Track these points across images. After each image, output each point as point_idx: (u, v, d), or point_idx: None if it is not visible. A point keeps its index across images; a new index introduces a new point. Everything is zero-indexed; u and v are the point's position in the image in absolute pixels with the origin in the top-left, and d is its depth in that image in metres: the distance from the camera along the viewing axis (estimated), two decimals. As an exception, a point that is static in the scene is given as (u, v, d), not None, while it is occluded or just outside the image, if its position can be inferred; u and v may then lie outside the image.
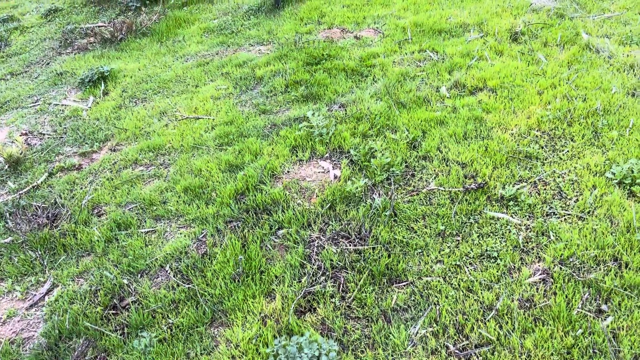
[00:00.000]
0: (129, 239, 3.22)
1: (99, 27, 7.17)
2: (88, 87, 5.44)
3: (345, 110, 4.25)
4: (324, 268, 2.78)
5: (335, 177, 3.49)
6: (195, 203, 3.43)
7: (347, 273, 2.73)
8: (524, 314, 2.36)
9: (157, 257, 3.03)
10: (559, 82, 4.18)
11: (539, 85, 4.16)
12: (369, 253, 2.81)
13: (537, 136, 3.60)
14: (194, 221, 3.29)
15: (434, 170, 3.42)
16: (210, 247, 3.04)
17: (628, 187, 2.98)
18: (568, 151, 3.40)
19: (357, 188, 3.25)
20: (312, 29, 6.01)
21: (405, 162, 3.53)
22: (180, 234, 3.22)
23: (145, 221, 3.38)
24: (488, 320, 2.37)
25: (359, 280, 2.67)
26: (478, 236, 2.85)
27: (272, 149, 3.86)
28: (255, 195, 3.37)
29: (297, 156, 3.77)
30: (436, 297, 2.54)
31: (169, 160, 4.01)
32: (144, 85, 5.35)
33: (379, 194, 3.27)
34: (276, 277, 2.78)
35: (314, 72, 4.95)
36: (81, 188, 3.84)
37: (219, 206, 3.35)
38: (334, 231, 3.01)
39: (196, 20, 7.03)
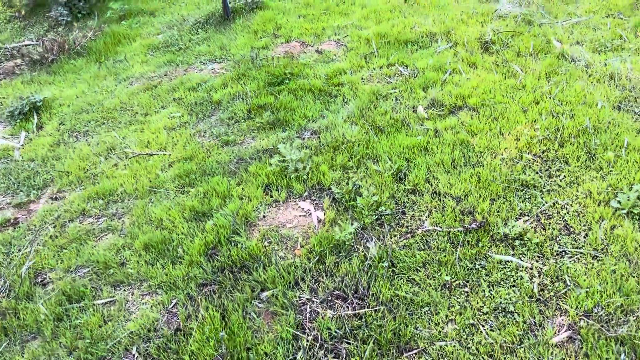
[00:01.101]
0: (83, 315, 2.76)
1: (26, 46, 6.48)
2: (19, 120, 4.84)
3: (319, 138, 3.92)
4: (322, 339, 2.44)
5: (319, 220, 3.16)
6: (159, 263, 3.00)
7: (349, 344, 2.41)
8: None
9: (120, 338, 2.59)
10: (542, 96, 4.02)
11: (521, 101, 3.99)
12: (372, 317, 2.50)
13: (529, 160, 3.41)
14: (160, 287, 2.87)
15: (426, 207, 3.15)
16: (184, 321, 2.64)
17: (638, 218, 2.81)
18: (565, 176, 3.22)
19: (346, 235, 2.93)
20: (268, 43, 5.64)
21: (394, 198, 3.24)
22: (146, 304, 2.79)
23: (101, 289, 2.92)
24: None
25: (364, 352, 2.35)
26: (488, 286, 2.60)
27: (243, 189, 3.48)
28: (229, 250, 2.98)
29: (272, 197, 3.41)
30: (456, 369, 2.26)
31: (123, 208, 3.54)
32: (85, 115, 4.81)
33: (372, 239, 2.96)
34: (266, 354, 2.42)
35: (278, 94, 4.59)
36: (19, 250, 3.31)
37: (188, 266, 2.94)
38: (327, 290, 2.67)
39: (137, 35, 6.49)
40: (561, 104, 3.89)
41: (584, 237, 2.82)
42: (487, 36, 5.07)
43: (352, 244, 2.93)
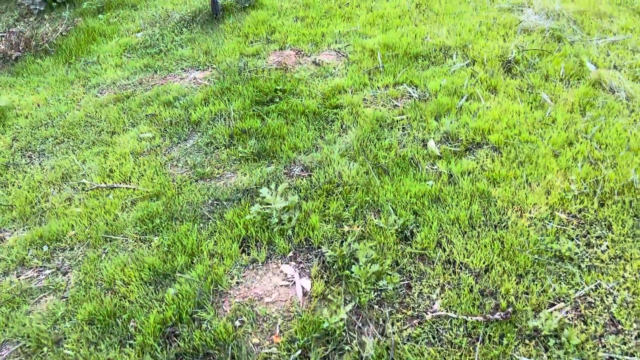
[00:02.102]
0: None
1: (-12, 40, 5.86)
2: (-35, 133, 4.25)
3: (311, 177, 3.35)
4: None
5: (305, 293, 2.61)
6: (104, 343, 2.44)
7: None
8: None
9: None
10: (576, 136, 3.46)
11: (552, 142, 3.42)
12: None
13: (563, 222, 2.85)
14: (101, 380, 2.31)
15: (438, 281, 2.60)
16: None
17: None
18: (608, 247, 2.67)
19: (337, 322, 2.37)
20: (260, 50, 5.04)
21: (397, 265, 2.68)
22: (81, 404, 2.23)
23: (28, 377, 2.36)
24: None
25: None
26: (516, 406, 2.05)
27: (215, 242, 2.92)
28: (192, 333, 2.43)
29: (249, 255, 2.85)
30: None
31: (71, 260, 2.98)
32: (43, 131, 4.23)
33: (369, 325, 2.41)
34: None
35: (266, 116, 4.01)
36: (-62, 313, 2.75)
37: (139, 351, 2.38)
38: (309, 402, 2.12)
39: (115, 32, 5.87)
40: (600, 148, 3.33)
41: (636, 337, 2.27)
42: (510, 54, 4.48)
43: (344, 333, 2.38)
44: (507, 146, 3.46)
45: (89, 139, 4.07)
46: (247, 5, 5.85)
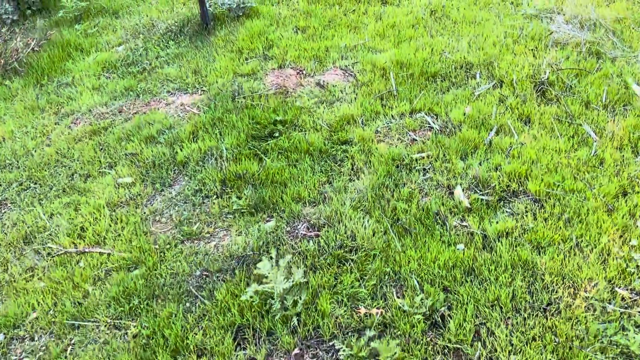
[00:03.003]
0: None
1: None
2: None
3: (319, 238, 2.88)
4: None
5: (315, 408, 2.14)
6: None
7: None
8: None
9: None
10: (630, 183, 2.99)
11: (602, 191, 2.95)
12: None
13: (627, 303, 2.38)
14: None
15: (480, 390, 2.13)
16: None
17: None
18: (687, 342, 2.19)
19: None
20: (256, 68, 4.54)
21: (428, 366, 2.22)
22: None
23: None
24: None
25: None
26: None
27: (204, 332, 2.46)
28: None
29: (245, 350, 2.39)
30: None
31: (30, 354, 2.51)
32: (7, 173, 3.75)
33: None
34: None
35: (264, 155, 3.53)
36: None
37: None
38: None
39: (93, 46, 5.37)
40: (662, 201, 2.84)
41: None
42: (542, 74, 3.99)
43: None
44: (549, 197, 2.97)
45: (59, 184, 3.59)
46: (240, 14, 5.33)
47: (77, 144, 3.99)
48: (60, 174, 3.71)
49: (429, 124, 3.76)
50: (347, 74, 4.43)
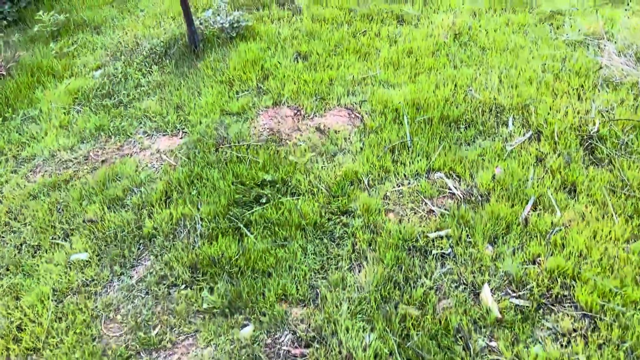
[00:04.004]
0: None
1: None
2: None
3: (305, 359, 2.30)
4: None
5: None
6: None
7: None
8: None
9: None
10: None
11: (676, 307, 2.30)
12: None
13: None
14: None
15: None
16: None
17: None
18: None
19: None
20: (247, 105, 3.96)
21: None
22: None
23: None
24: None
25: None
26: None
27: None
28: None
29: None
30: None
31: None
32: (-55, 240, 3.23)
33: None
34: None
35: (246, 229, 2.96)
36: None
37: None
38: None
39: (68, 69, 4.83)
40: None
41: None
42: (590, 125, 3.34)
43: None
44: (604, 313, 2.35)
45: (2, 259, 3.06)
46: (234, 34, 4.73)
47: (33, 201, 3.46)
48: (6, 244, 3.18)
49: (450, 189, 3.14)
50: (353, 116, 3.82)
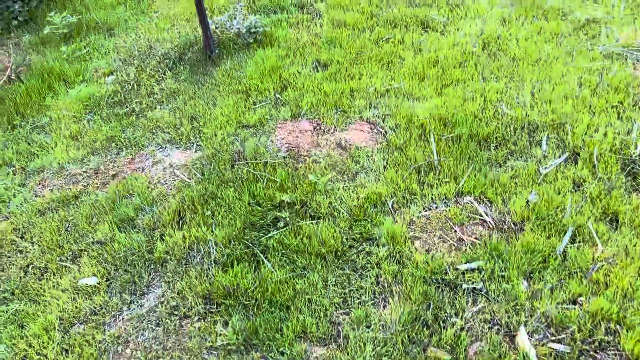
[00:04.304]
0: None
1: None
2: None
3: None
4: None
5: None
6: None
7: None
8: None
9: None
10: None
11: None
12: None
13: None
14: None
15: None
16: None
17: None
18: None
19: None
20: (264, 117, 3.80)
21: None
22: None
23: None
24: None
25: None
26: None
27: None
28: None
29: None
30: None
31: None
32: (-50, 259, 3.12)
33: None
34: None
35: (263, 255, 2.81)
36: None
37: None
38: None
39: (80, 74, 4.70)
40: None
41: None
42: (632, 147, 3.14)
43: None
44: (655, 365, 2.15)
45: (8, 282, 2.94)
46: (251, 40, 4.57)
47: (40, 218, 3.34)
48: (12, 264, 3.06)
49: (481, 216, 2.96)
50: (375, 131, 3.64)
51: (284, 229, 2.99)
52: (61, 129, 4.11)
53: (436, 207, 3.06)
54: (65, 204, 3.44)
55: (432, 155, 3.36)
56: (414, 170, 3.28)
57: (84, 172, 3.68)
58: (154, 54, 4.91)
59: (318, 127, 3.73)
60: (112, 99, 4.37)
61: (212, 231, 3.02)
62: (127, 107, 4.26)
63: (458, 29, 4.59)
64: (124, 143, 3.89)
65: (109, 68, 4.82)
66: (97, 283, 2.88)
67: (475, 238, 2.86)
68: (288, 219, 3.01)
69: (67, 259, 3.06)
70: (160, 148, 3.83)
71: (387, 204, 3.10)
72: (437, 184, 3.18)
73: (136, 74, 4.64)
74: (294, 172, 3.33)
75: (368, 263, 2.78)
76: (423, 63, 4.19)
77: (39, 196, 3.54)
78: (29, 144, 4.04)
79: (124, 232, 3.14)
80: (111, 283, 2.87)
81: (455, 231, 2.92)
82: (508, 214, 2.96)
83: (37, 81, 4.67)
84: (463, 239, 2.88)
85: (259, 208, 3.11)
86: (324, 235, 2.89)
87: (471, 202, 3.07)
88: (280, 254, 2.85)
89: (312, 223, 2.99)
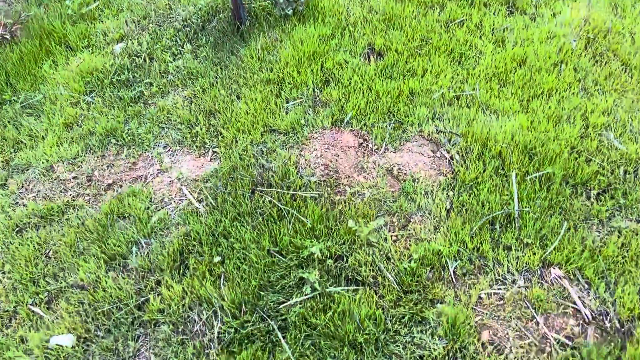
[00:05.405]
0: None
1: None
2: None
3: None
4: None
5: None
6: None
7: None
8: None
9: None
10: None
11: None
12: None
13: None
14: None
15: None
16: None
17: None
18: None
19: None
20: (298, 122, 3.15)
21: None
22: None
23: None
24: None
25: None
26: None
27: None
28: None
29: None
30: None
31: None
32: None
33: None
34: None
35: (282, 332, 2.23)
36: None
37: None
38: None
39: (85, 38, 4.08)
40: None
41: None
42: None
43: None
44: None
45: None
46: (290, 12, 3.80)
47: (17, 237, 2.81)
48: (-26, 307, 2.56)
49: (574, 303, 2.26)
50: (439, 155, 2.93)
51: (311, 297, 2.36)
52: (56, 111, 3.51)
53: (513, 282, 2.38)
54: (49, 221, 2.89)
55: (512, 202, 2.63)
56: (487, 222, 2.57)
57: (75, 178, 3.12)
58: (173, 17, 4.20)
59: (365, 144, 3.03)
60: (118, 76, 3.73)
61: (218, 289, 2.42)
62: (134, 89, 3.62)
63: (554, 14, 3.71)
64: (125, 140, 3.28)
65: (119, 32, 4.15)
66: (73, 347, 2.35)
67: (565, 337, 2.19)
68: (317, 284, 2.38)
69: (42, 301, 2.54)
70: (169, 150, 3.21)
71: (449, 269, 2.43)
72: (516, 247, 2.48)
73: (150, 43, 3.97)
74: (329, 211, 2.68)
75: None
76: (506, 61, 3.37)
77: (20, 205, 3.00)
78: (17, 128, 3.48)
79: (112, 274, 2.57)
80: (89, 347, 2.34)
81: (538, 322, 2.25)
82: (613, 306, 2.26)
83: (33, 45, 4.05)
84: (547, 337, 2.21)
85: (281, 259, 2.49)
86: (363, 313, 2.26)
87: (561, 280, 2.37)
88: (302, 336, 2.25)
89: (347, 293, 2.36)
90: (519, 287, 2.39)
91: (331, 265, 2.48)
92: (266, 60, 3.60)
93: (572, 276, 2.40)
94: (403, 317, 2.31)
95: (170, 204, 2.91)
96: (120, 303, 2.46)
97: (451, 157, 2.94)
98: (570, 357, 2.13)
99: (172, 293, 2.46)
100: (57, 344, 2.39)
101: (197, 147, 3.20)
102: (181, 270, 2.56)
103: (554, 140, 2.88)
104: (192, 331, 2.35)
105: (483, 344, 2.21)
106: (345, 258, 2.52)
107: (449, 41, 3.58)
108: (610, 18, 3.61)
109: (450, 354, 2.18)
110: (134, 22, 4.25)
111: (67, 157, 3.23)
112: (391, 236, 2.59)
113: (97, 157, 3.23)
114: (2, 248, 2.79)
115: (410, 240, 2.57)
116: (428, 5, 3.90)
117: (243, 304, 2.38)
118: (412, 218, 2.68)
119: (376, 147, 3.03)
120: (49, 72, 3.87)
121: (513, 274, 2.43)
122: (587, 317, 2.27)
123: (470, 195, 2.71)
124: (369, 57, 3.56)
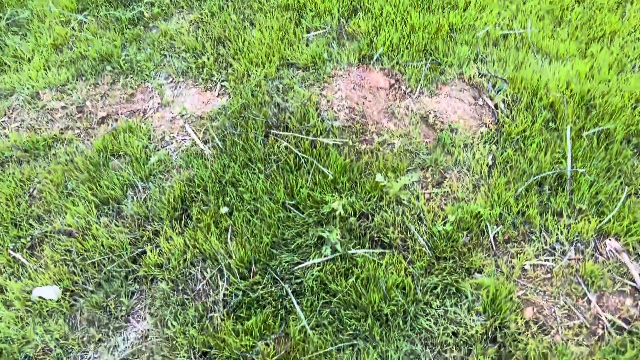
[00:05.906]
0: None
1: None
2: None
3: None
4: None
5: None
6: None
7: None
8: None
9: None
10: None
11: None
12: None
13: None
14: None
15: None
16: None
17: None
18: None
19: None
20: (320, 56, 2.84)
21: None
22: None
23: None
24: None
25: None
26: None
27: None
28: None
29: None
30: None
31: None
32: None
33: None
34: None
35: (296, 297, 2.00)
36: None
37: None
38: None
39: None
40: None
41: None
42: None
43: None
44: None
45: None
46: None
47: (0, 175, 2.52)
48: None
49: (633, 279, 2.00)
50: (481, 103, 2.60)
51: (330, 259, 2.10)
52: (43, 32, 3.15)
53: (563, 253, 2.11)
54: (34, 155, 2.60)
55: (565, 161, 2.32)
56: (534, 183, 2.28)
57: (64, 107, 2.79)
58: None
59: (396, 85, 2.69)
60: (115, -9, 3.34)
61: (225, 244, 2.15)
62: (133, 9, 3.25)
63: (619, -56, 3.26)
64: (122, 67, 2.94)
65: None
66: (58, 300, 2.11)
67: (621, 319, 1.93)
68: (338, 245, 2.11)
69: (24, 247, 2.28)
70: (172, 82, 2.88)
71: (489, 235, 2.15)
72: (568, 213, 2.19)
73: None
74: (354, 161, 2.37)
75: (450, 338, 1.91)
76: (562, -5, 2.98)
77: (2, 135, 2.69)
78: (0, 48, 3.12)
79: (105, 221, 2.30)
80: (76, 302, 2.09)
81: (589, 301, 2.00)
82: (678, 287, 1.99)
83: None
84: (600, 318, 1.95)
85: (298, 216, 2.21)
86: (390, 281, 2.00)
87: (618, 254, 2.10)
88: (320, 303, 2.00)
89: (372, 255, 2.09)
90: (570, 260, 2.12)
91: (354, 224, 2.20)
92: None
93: (631, 250, 2.13)
94: (435, 288, 2.05)
95: (172, 143, 2.60)
96: (113, 254, 2.20)
97: (495, 106, 2.60)
98: (627, 342, 1.88)
99: (171, 246, 2.19)
100: (40, 297, 2.14)
101: (203, 79, 2.86)
102: (183, 221, 2.29)
103: (615, 91, 2.54)
104: (193, 291, 2.10)
105: (526, 322, 1.96)
106: (370, 217, 2.24)
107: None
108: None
109: (489, 333, 1.93)
110: None
111: (55, 83, 2.90)
112: (424, 194, 2.30)
113: (90, 86, 2.89)
114: (-20, 185, 2.51)
115: (445, 200, 2.28)
116: None
117: (253, 263, 2.12)
118: (448, 174, 2.38)
119: (410, 89, 2.69)
120: (37, -15, 3.47)
121: (563, 244, 2.16)
122: (647, 298, 2.01)
123: (516, 151, 2.40)
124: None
